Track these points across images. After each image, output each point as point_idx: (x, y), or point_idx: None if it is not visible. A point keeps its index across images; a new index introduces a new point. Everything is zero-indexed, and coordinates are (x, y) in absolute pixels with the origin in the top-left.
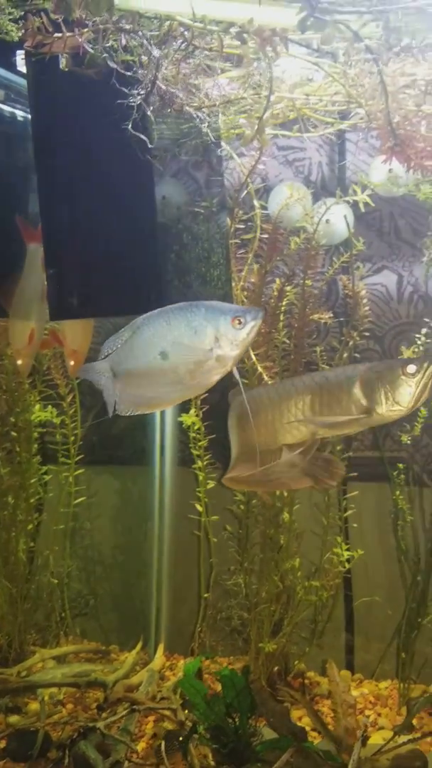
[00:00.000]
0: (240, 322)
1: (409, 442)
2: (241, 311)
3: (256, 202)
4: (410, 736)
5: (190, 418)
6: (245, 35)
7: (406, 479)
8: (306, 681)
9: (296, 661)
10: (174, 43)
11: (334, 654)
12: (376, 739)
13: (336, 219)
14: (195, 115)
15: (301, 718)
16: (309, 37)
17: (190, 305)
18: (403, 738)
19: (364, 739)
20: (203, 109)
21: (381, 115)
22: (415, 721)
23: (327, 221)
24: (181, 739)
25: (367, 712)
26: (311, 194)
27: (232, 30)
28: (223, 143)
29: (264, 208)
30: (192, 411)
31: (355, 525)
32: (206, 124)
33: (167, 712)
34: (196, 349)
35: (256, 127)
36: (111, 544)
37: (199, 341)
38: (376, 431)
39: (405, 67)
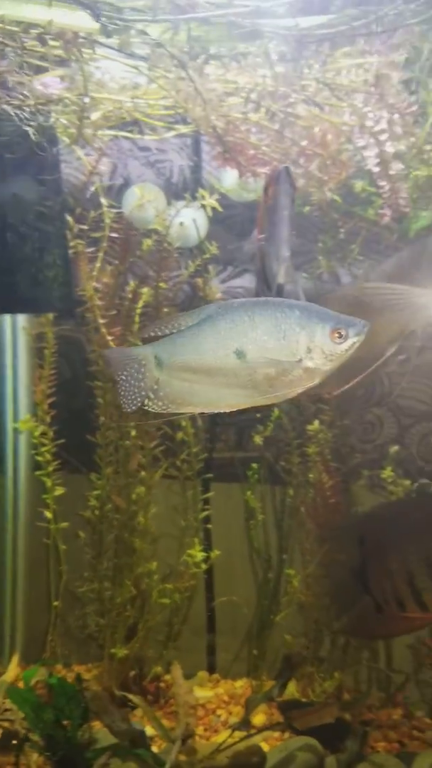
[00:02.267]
0: (340, 336)
1: (261, 443)
2: (344, 322)
3: (103, 200)
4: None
5: (28, 424)
6: (46, 37)
7: (261, 478)
8: (162, 684)
9: (153, 665)
10: None
11: (197, 655)
12: (224, 737)
13: (190, 222)
14: (13, 114)
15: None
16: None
17: (283, 303)
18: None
19: (184, 739)
20: (26, 108)
21: (203, 121)
22: (262, 717)
23: (181, 224)
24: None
25: (219, 712)
26: (173, 196)
27: (32, 31)
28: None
29: (114, 207)
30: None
31: (209, 526)
32: (36, 123)
33: (6, 723)
34: (282, 356)
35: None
36: None
37: (287, 347)
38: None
39: (228, 75)
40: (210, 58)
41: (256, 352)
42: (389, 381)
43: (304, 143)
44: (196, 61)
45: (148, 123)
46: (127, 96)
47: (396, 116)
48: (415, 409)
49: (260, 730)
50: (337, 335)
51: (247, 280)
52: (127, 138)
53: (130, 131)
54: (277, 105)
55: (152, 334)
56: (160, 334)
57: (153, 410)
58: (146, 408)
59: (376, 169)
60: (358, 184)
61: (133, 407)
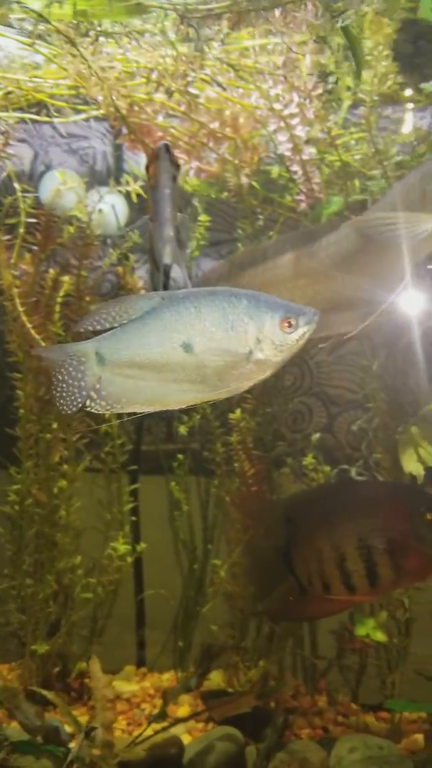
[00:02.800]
0: (290, 325)
1: (185, 433)
2: (294, 311)
3: (17, 185)
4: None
5: None
6: None
7: (188, 469)
8: (87, 680)
9: (78, 661)
10: None
11: (126, 650)
12: (148, 731)
13: (109, 209)
14: None
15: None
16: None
17: (228, 292)
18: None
19: (87, 732)
20: None
21: (104, 102)
22: (187, 710)
23: (100, 211)
24: None
25: (143, 705)
26: (96, 183)
27: None
28: None
29: (29, 193)
30: None
31: (137, 519)
32: None
33: None
34: (230, 348)
35: None
36: None
37: (236, 339)
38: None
39: (129, 55)
40: (102, 35)
41: (203, 345)
42: (317, 370)
43: (213, 126)
44: (85, 37)
45: (54, 105)
46: (27, 75)
47: (307, 101)
48: (344, 398)
49: (176, 721)
50: (287, 324)
51: (174, 270)
52: (34, 121)
53: (36, 113)
54: (176, 85)
55: (90, 327)
56: (99, 327)
57: (96, 411)
58: (88, 409)
59: (288, 154)
60: (275, 170)
61: (73, 409)
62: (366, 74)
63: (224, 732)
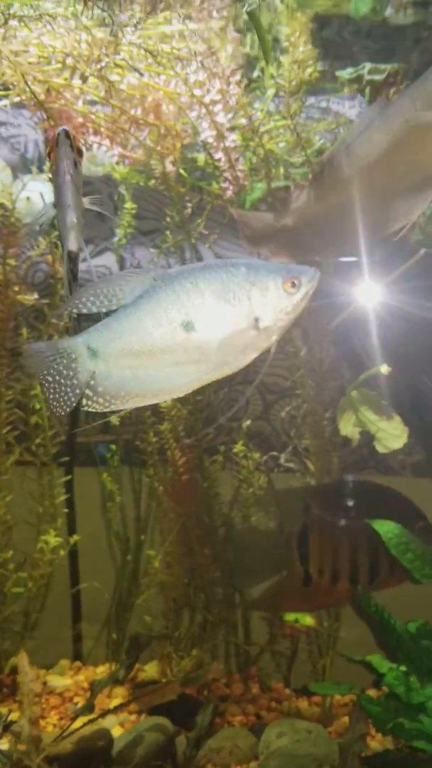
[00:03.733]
0: (293, 285)
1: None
2: (295, 271)
3: None
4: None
5: None
6: None
7: (122, 459)
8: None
9: (9, 657)
10: None
11: (63, 644)
12: (76, 724)
13: (37, 196)
14: None
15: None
16: None
17: (226, 263)
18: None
19: (6, 727)
20: None
21: (19, 87)
22: (119, 702)
23: (27, 198)
24: None
25: (76, 699)
26: (27, 171)
27: None
28: None
29: None
30: None
31: (71, 511)
32: None
33: None
34: (234, 319)
35: None
36: None
37: (239, 308)
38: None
39: (44, 39)
40: (12, 18)
41: (206, 321)
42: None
43: (134, 112)
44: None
45: None
46: None
47: (230, 87)
48: (278, 386)
49: (104, 713)
50: (290, 285)
51: (108, 259)
52: None
53: None
54: (90, 71)
55: (74, 310)
56: (85, 311)
57: (94, 410)
58: (84, 409)
59: (211, 141)
60: (201, 158)
61: (66, 410)
62: (285, 61)
63: (154, 722)
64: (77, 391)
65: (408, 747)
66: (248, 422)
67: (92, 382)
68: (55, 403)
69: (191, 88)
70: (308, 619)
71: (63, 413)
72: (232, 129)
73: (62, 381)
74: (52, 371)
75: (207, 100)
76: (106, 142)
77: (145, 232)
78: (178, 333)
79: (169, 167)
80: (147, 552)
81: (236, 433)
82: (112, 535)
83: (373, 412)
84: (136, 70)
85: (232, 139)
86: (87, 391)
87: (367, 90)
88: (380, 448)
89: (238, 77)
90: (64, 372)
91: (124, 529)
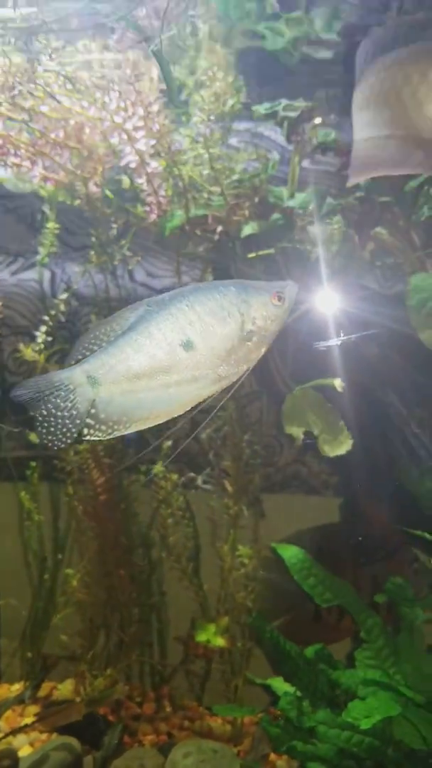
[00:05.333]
0: (279, 299)
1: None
2: (279, 286)
3: None
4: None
5: None
6: None
7: (41, 476)
8: None
9: None
10: None
11: None
12: None
13: None
14: None
15: None
16: None
17: (216, 284)
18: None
19: None
20: None
21: None
22: (30, 719)
23: None
24: None
25: None
26: None
27: None
28: None
29: None
30: None
31: None
32: None
33: None
34: (230, 334)
35: None
36: None
37: (234, 324)
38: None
39: None
40: None
41: (203, 339)
42: None
43: (54, 135)
44: None
45: None
46: None
47: (150, 115)
48: (208, 405)
49: (14, 731)
50: (276, 299)
51: (37, 273)
52: None
53: None
54: (4, 96)
55: (80, 357)
56: (87, 354)
57: (97, 438)
58: (86, 438)
59: (132, 166)
60: (126, 180)
61: (67, 442)
62: (205, 93)
63: (61, 742)
64: (77, 422)
65: None
66: (169, 443)
67: (93, 411)
68: (54, 438)
69: (112, 114)
70: (220, 640)
71: (62, 446)
72: (155, 155)
73: (62, 414)
74: (50, 405)
75: (129, 126)
76: (27, 163)
77: (76, 248)
78: (178, 353)
79: (94, 188)
80: (65, 571)
81: (162, 451)
82: (30, 553)
83: (317, 414)
84: (52, 96)
85: (154, 165)
86: (88, 420)
87: (285, 124)
88: (324, 452)
89: (157, 106)
90: (63, 404)
91: (41, 547)
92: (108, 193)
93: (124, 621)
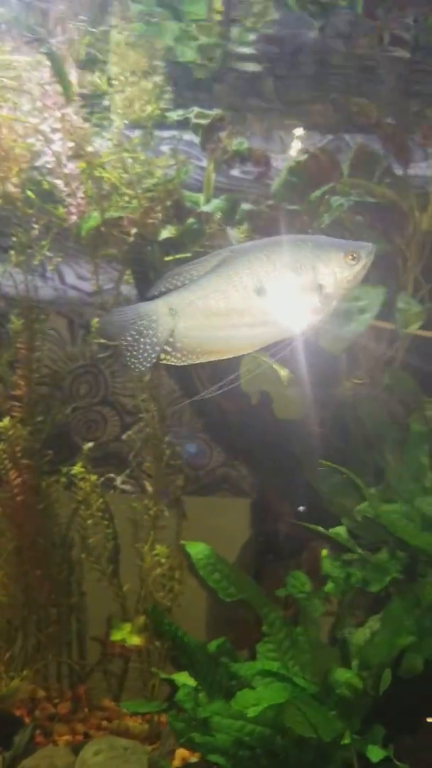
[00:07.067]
0: (353, 258)
1: None
2: (355, 246)
3: None
4: None
5: None
6: None
7: None
8: None
9: None
10: None
11: None
12: None
13: None
14: None
15: None
16: None
17: (294, 239)
18: None
19: None
20: None
21: None
22: None
23: None
24: None
25: None
26: None
27: None
28: None
29: None
30: None
31: None
32: None
33: None
34: (301, 286)
35: None
36: None
37: (306, 277)
38: None
39: None
40: None
41: (275, 287)
42: (112, 379)
43: None
44: None
45: None
46: None
47: (66, 116)
48: (138, 408)
49: None
50: (351, 258)
51: None
52: None
53: None
54: None
55: (163, 289)
56: (171, 288)
57: (171, 363)
58: (163, 362)
59: (49, 167)
60: (45, 182)
61: (147, 366)
62: (118, 98)
63: None
64: (157, 348)
65: (205, 761)
66: (90, 445)
67: (171, 339)
68: (136, 361)
69: (25, 116)
70: (135, 639)
71: (143, 369)
72: (74, 157)
73: (144, 340)
74: (134, 332)
75: (45, 128)
76: None
77: (4, 249)
78: (252, 297)
79: (11, 188)
80: None
81: (95, 452)
82: None
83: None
84: None
85: (72, 167)
86: (166, 347)
87: (200, 131)
88: (278, 414)
89: (70, 109)
90: (146, 332)
91: None
92: (30, 193)
93: (42, 621)
